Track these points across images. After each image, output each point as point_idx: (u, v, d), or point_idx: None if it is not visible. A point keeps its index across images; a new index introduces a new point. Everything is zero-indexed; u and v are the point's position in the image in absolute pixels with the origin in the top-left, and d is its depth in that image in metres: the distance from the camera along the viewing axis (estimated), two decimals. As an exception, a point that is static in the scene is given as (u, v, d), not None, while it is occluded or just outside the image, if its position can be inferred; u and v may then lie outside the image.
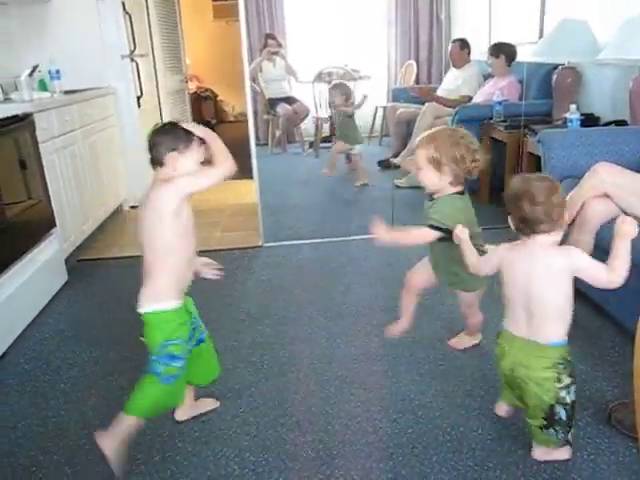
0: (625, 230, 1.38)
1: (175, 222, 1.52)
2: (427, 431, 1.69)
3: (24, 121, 2.61)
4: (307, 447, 1.64)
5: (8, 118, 2.48)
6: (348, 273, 2.86)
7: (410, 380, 1.94)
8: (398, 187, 4.28)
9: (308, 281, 2.79)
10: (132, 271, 2.97)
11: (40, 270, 2.59)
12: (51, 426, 1.79)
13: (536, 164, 2.98)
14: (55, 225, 2.83)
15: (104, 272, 3.04)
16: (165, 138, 1.55)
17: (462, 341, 2.12)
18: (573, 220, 2.13)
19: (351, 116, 4.66)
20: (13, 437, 1.75)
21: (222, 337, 2.28)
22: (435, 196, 1.86)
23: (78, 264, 3.14)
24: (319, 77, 5.67)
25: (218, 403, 1.86)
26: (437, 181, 1.80)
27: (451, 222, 1.75)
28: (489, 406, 1.77)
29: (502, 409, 1.72)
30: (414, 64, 6.10)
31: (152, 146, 1.56)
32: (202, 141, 1.57)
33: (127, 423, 1.54)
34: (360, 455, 1.61)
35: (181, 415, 1.78)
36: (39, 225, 2.70)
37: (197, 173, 1.55)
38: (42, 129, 2.78)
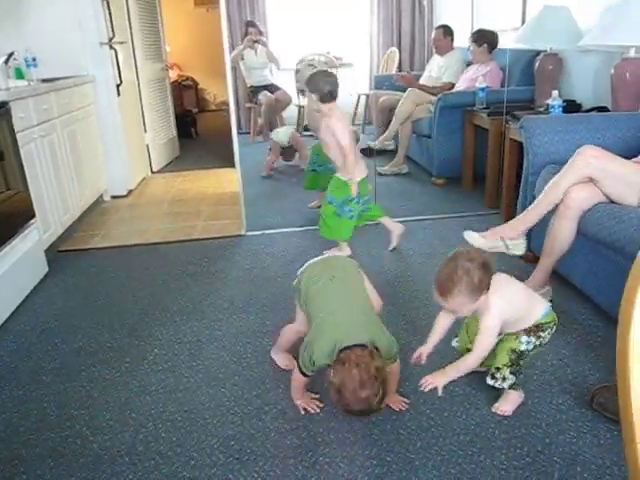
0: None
1: None
2: (411, 417, 1.69)
3: (0, 110, 2.55)
4: (292, 435, 1.64)
5: (-17, 106, 2.43)
6: (332, 261, 2.85)
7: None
8: (381, 174, 4.28)
9: (291, 269, 2.76)
10: (113, 261, 2.99)
11: (20, 261, 2.55)
12: (33, 418, 1.77)
13: (518, 151, 3.00)
14: (34, 216, 2.78)
15: (85, 263, 3.00)
16: None
17: None
18: (556, 205, 2.14)
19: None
20: (-6, 430, 1.73)
21: (205, 326, 2.27)
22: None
23: (58, 255, 3.09)
24: (301, 64, 5.63)
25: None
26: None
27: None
28: (472, 391, 1.79)
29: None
30: (396, 51, 6.08)
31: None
32: None
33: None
34: (345, 442, 1.61)
35: None
36: (18, 216, 2.65)
37: None
38: (19, 118, 2.72)
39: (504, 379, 1.66)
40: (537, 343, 1.66)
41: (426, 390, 1.57)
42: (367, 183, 2.86)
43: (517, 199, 2.76)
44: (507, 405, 1.72)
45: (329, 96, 2.68)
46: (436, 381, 1.57)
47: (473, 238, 2.27)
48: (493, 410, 1.72)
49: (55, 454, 1.61)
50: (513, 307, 1.62)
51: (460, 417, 1.68)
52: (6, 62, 3.26)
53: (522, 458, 1.51)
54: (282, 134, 4.63)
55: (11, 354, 2.15)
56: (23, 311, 2.48)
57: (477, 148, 3.78)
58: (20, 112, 2.75)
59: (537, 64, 3.47)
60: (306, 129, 5.63)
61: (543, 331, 1.65)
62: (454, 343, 1.85)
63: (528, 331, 1.64)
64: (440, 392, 1.57)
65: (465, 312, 1.62)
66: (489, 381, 1.69)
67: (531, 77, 3.62)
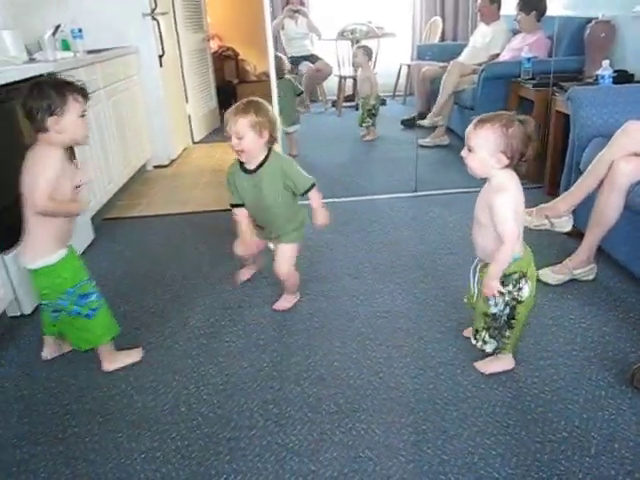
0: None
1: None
2: (448, 388, 1.71)
3: (48, 80, 2.61)
4: (329, 401, 1.68)
5: (33, 78, 2.48)
6: (372, 232, 2.86)
7: (432, 338, 1.95)
8: (422, 146, 4.23)
9: (332, 240, 2.80)
10: (155, 230, 3.06)
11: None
12: (82, 377, 1.85)
13: (565, 123, 2.92)
14: (81, 184, 2.86)
15: (129, 231, 3.09)
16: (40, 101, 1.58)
17: None
18: (602, 180, 2.10)
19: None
20: (47, 386, 1.82)
21: (246, 293, 2.32)
22: None
23: (104, 223, 3.18)
24: (342, 35, 5.56)
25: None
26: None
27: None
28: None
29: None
30: (440, 20, 5.93)
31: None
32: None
33: (106, 348, 1.86)
34: (382, 410, 1.63)
35: (49, 354, 1.98)
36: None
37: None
38: (66, 88, 2.78)
39: (484, 342, 1.71)
40: (508, 299, 1.63)
41: (491, 294, 1.60)
42: None
43: (561, 173, 2.70)
44: (489, 365, 1.77)
45: None
46: (491, 287, 1.59)
47: None
48: (475, 365, 1.78)
49: (103, 411, 1.69)
50: (519, 211, 1.58)
51: (496, 389, 1.69)
52: (53, 34, 3.31)
53: (559, 432, 1.51)
54: None
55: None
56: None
57: (521, 121, 3.69)
58: (67, 82, 2.81)
59: (588, 32, 3.35)
60: (347, 99, 5.62)
61: (506, 285, 1.61)
62: (465, 299, 1.84)
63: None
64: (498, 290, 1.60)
65: (479, 166, 1.56)
66: (472, 341, 1.75)
67: (580, 46, 3.50)
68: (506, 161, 1.53)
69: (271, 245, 2.18)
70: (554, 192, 2.58)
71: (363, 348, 1.92)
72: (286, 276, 2.13)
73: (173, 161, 4.47)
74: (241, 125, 1.87)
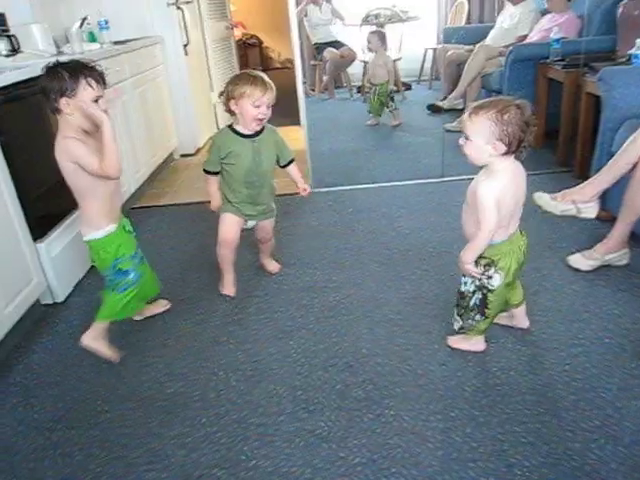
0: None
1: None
2: (476, 374, 1.69)
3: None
4: (357, 388, 1.68)
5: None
6: (399, 218, 2.85)
7: (460, 325, 1.93)
8: (448, 131, 4.17)
9: (358, 226, 2.79)
10: (182, 218, 3.08)
11: (97, 217, 2.66)
12: (113, 363, 1.88)
13: (595, 105, 2.85)
14: (109, 174, 2.89)
15: (156, 219, 3.12)
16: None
17: None
18: (635, 164, 2.04)
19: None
20: (80, 372, 1.86)
21: (273, 280, 2.33)
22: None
23: (132, 212, 3.22)
24: (366, 20, 5.50)
25: (169, 305, 2.18)
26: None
27: None
28: (540, 352, 1.77)
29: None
30: (465, 2, 5.82)
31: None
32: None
33: (101, 326, 1.86)
34: (410, 396, 1.63)
35: (137, 316, 2.09)
36: (94, 174, 2.76)
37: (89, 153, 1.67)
38: (93, 79, 2.81)
39: (455, 319, 1.76)
40: (478, 284, 1.66)
41: (467, 273, 1.66)
42: None
43: (592, 157, 2.64)
44: (458, 341, 1.81)
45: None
46: (463, 268, 1.65)
47: (544, 200, 2.21)
48: (447, 337, 1.84)
49: (134, 397, 1.72)
50: (506, 201, 1.55)
51: (526, 376, 1.67)
52: (80, 26, 3.35)
53: (590, 421, 1.49)
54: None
55: (91, 304, 2.27)
56: (101, 265, 2.60)
57: (549, 103, 3.61)
58: (94, 73, 2.84)
59: (620, 10, 3.26)
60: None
61: (479, 265, 1.63)
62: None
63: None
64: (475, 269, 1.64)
65: (476, 154, 1.55)
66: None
67: (612, 25, 3.41)
68: (504, 148, 1.50)
69: (250, 223, 2.24)
70: (584, 175, 2.52)
71: (391, 335, 1.91)
72: (271, 244, 2.38)
73: (199, 150, 4.49)
74: (272, 97, 2.05)
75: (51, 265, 2.22)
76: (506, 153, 1.51)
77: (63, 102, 1.61)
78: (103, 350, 1.87)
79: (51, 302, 2.28)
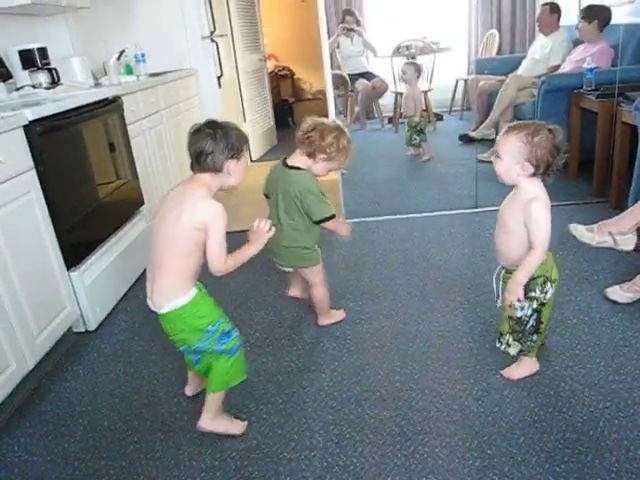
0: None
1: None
2: (514, 411, 1.64)
3: (113, 104, 2.70)
4: (391, 422, 1.64)
5: (99, 102, 2.58)
6: (431, 250, 2.81)
7: (496, 358, 1.88)
8: (481, 161, 4.14)
9: (390, 257, 2.76)
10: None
11: (130, 246, 2.70)
12: (144, 394, 1.88)
13: (632, 135, 2.80)
14: (143, 203, 2.94)
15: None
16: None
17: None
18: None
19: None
20: (110, 402, 1.86)
21: (305, 311, 2.31)
22: None
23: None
24: (397, 51, 5.55)
25: None
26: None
27: None
28: (579, 387, 1.71)
29: None
30: (496, 33, 5.84)
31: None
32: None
33: (217, 401, 1.63)
34: (445, 432, 1.58)
35: (190, 391, 1.86)
36: (128, 204, 2.82)
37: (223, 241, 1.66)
38: (130, 111, 2.88)
39: (508, 345, 1.74)
40: (535, 306, 1.65)
41: (509, 304, 1.64)
42: None
43: (628, 187, 2.58)
44: (515, 371, 1.78)
45: None
46: (515, 293, 1.61)
47: (580, 232, 2.17)
48: (501, 372, 1.79)
49: (164, 427, 1.71)
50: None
51: (566, 413, 1.61)
52: (118, 59, 3.45)
53: (636, 462, 1.43)
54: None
55: (123, 333, 2.30)
56: (132, 295, 2.63)
57: (583, 134, 3.57)
58: (131, 106, 2.91)
59: (655, 40, 3.22)
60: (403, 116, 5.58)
61: (532, 290, 1.63)
62: (498, 303, 1.79)
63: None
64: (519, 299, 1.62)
65: (505, 173, 1.60)
66: (497, 344, 1.78)
67: (647, 54, 3.37)
68: (531, 170, 1.55)
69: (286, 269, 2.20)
70: (620, 207, 2.47)
71: (425, 368, 1.87)
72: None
73: (231, 179, 4.53)
74: None
75: (84, 293, 2.25)
76: (534, 174, 1.56)
77: (231, 162, 1.57)
78: (231, 428, 1.65)
79: (83, 330, 2.30)
